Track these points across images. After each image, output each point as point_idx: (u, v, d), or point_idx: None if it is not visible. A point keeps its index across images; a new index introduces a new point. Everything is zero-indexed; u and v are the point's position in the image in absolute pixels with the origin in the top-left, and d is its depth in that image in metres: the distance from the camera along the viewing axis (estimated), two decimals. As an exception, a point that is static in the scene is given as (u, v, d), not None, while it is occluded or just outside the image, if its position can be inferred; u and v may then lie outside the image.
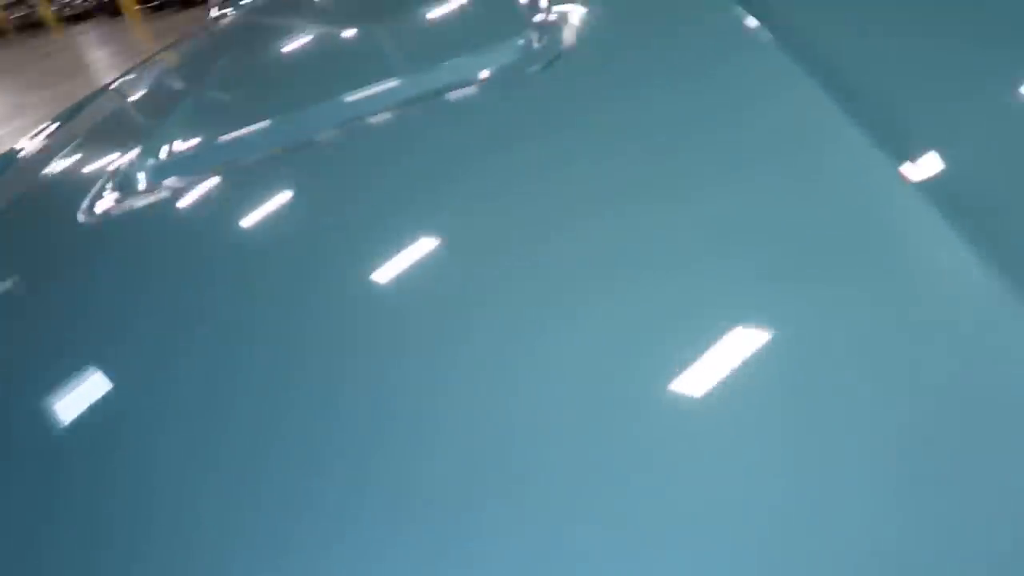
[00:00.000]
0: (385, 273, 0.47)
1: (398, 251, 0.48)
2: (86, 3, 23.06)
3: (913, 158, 0.42)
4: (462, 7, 0.92)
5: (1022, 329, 0.32)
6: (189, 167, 0.70)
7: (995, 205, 0.38)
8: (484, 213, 0.50)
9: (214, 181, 0.66)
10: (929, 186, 0.40)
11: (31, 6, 26.01)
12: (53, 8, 25.18)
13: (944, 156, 0.42)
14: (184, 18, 13.44)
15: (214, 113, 0.86)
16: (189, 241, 0.59)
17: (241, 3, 1.37)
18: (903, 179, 0.41)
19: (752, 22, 0.60)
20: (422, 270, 0.46)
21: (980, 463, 0.28)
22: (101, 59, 12.75)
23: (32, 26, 25.65)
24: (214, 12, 1.40)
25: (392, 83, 0.72)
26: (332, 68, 0.89)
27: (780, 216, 0.41)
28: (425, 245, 0.48)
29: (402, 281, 0.46)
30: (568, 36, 0.68)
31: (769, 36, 0.58)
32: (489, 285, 0.43)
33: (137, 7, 17.06)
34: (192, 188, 0.66)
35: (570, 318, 0.39)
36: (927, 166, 0.42)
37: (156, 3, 16.84)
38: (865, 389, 0.31)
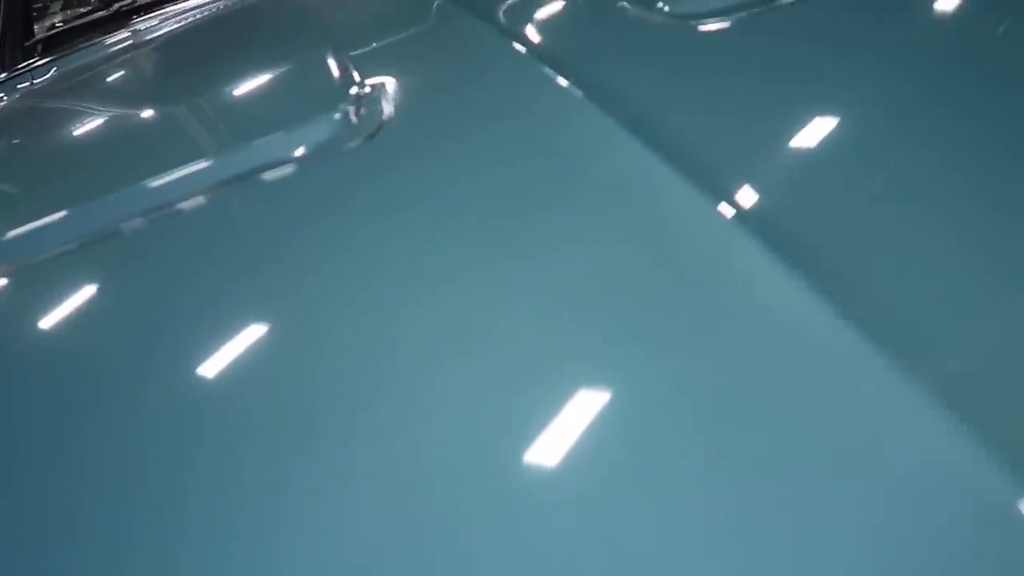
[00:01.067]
0: (206, 371, 0.45)
1: (224, 344, 0.46)
2: None
3: (728, 196, 0.44)
4: (269, 82, 0.89)
5: (846, 349, 0.34)
6: None
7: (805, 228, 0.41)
8: (310, 298, 0.48)
9: (2, 283, 0.61)
10: (747, 219, 0.42)
11: None
12: None
13: (757, 188, 0.45)
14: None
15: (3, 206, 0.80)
16: None
17: (19, 86, 1.28)
18: (723, 217, 0.43)
19: (562, 81, 0.62)
20: (245, 368, 0.44)
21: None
22: None
23: None
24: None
25: (200, 165, 0.68)
26: (132, 152, 0.83)
27: (615, 272, 0.43)
28: (250, 336, 0.46)
29: (223, 381, 0.44)
30: (385, 109, 0.67)
31: (580, 94, 0.60)
32: (319, 377, 0.42)
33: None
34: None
35: (404, 406, 0.38)
36: (742, 201, 0.44)
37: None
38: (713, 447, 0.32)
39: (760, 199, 0.44)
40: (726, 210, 0.43)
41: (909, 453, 0.30)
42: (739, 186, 0.45)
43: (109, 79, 1.20)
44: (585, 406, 0.35)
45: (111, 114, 1.02)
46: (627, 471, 0.32)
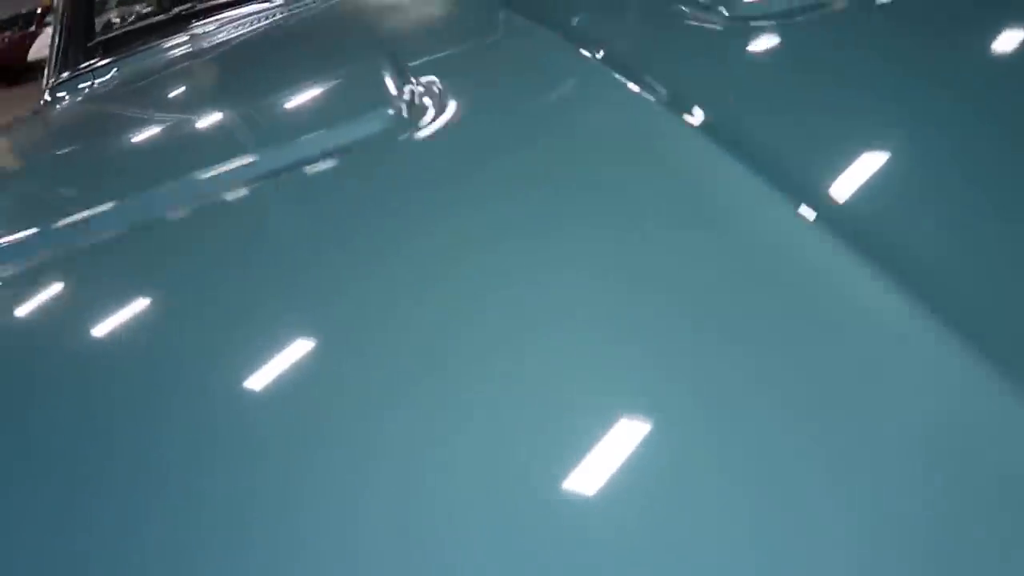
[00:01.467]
0: (250, 362, 0.45)
1: (264, 339, 0.46)
2: None
3: (809, 197, 0.43)
4: (322, 81, 0.91)
5: (937, 351, 0.33)
6: (22, 253, 0.65)
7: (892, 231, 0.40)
8: (357, 289, 0.48)
9: (53, 267, 0.62)
10: (827, 219, 0.41)
11: None
12: None
13: (834, 189, 0.44)
14: (5, 96, 12.67)
15: (52, 199, 0.81)
16: (28, 337, 0.55)
17: (79, 87, 1.32)
18: (804, 219, 0.42)
19: (628, 83, 0.61)
20: (290, 358, 0.44)
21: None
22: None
23: None
24: (47, 96, 1.34)
25: (251, 158, 0.69)
26: (183, 149, 0.85)
27: (691, 271, 0.42)
28: (295, 329, 0.46)
29: (266, 372, 0.43)
30: (438, 106, 0.67)
31: (648, 98, 0.59)
32: (363, 371, 0.41)
33: (-46, 85, 15.98)
34: (28, 277, 0.61)
35: (462, 397, 0.38)
36: (825, 203, 0.43)
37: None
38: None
39: (839, 200, 0.43)
40: (805, 211, 0.43)
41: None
42: (816, 187, 0.44)
43: (167, 82, 1.23)
44: (661, 410, 0.35)
45: (167, 115, 1.05)
46: (718, 471, 0.32)
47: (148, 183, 0.72)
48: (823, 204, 0.43)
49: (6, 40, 16.15)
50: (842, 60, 0.60)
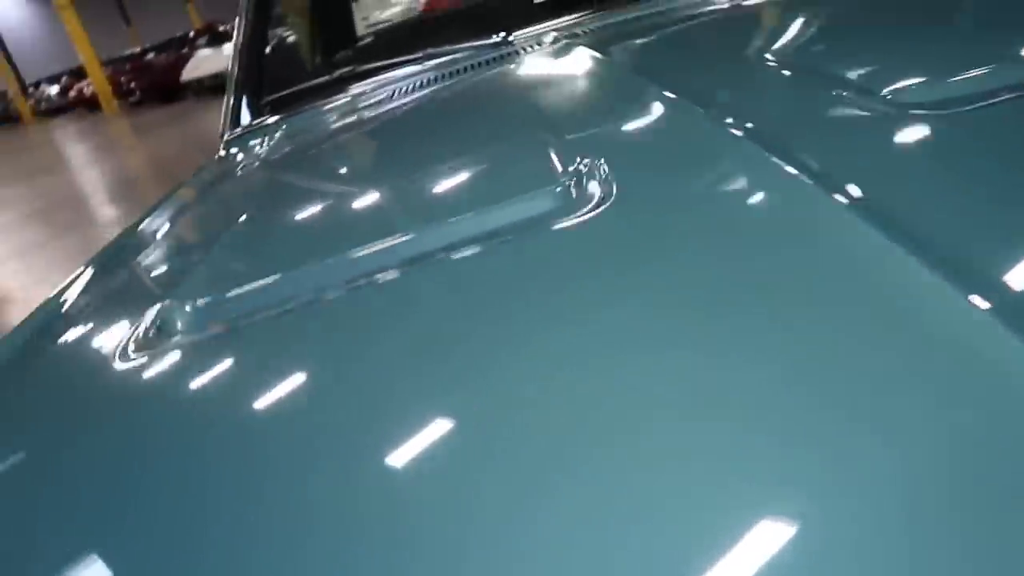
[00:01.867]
0: (406, 451, 0.47)
1: (420, 427, 0.48)
2: (63, 98, 23.50)
3: (981, 290, 0.43)
4: (486, 155, 0.94)
5: None
6: (220, 315, 0.71)
7: None
8: (517, 384, 0.49)
9: (239, 338, 0.67)
10: (999, 311, 0.41)
11: (6, 100, 26.47)
12: (29, 102, 25.60)
13: (1007, 280, 0.44)
14: (161, 114, 13.67)
15: (234, 264, 0.88)
16: (216, 404, 0.59)
17: (250, 144, 1.44)
18: (973, 307, 0.41)
19: (782, 163, 0.61)
20: (441, 449, 0.46)
21: None
22: (80, 154, 12.86)
23: (7, 120, 26.02)
24: (221, 152, 1.47)
25: (412, 237, 0.72)
26: (346, 225, 0.89)
27: (856, 364, 0.42)
28: (447, 418, 0.48)
29: (419, 462, 0.45)
30: (603, 187, 0.68)
31: (802, 177, 0.59)
32: (516, 466, 0.43)
33: (115, 102, 17.36)
34: (222, 343, 0.67)
35: (622, 494, 0.39)
36: (992, 293, 0.42)
37: (135, 99, 17.26)
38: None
39: (1012, 292, 0.43)
40: (977, 301, 0.42)
41: None
42: (986, 277, 0.44)
43: (332, 151, 1.32)
44: (829, 514, 0.35)
45: (331, 188, 1.11)
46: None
47: (307, 261, 0.76)
48: (991, 293, 0.42)
49: (162, 62, 17.43)
50: (1007, 151, 0.59)
